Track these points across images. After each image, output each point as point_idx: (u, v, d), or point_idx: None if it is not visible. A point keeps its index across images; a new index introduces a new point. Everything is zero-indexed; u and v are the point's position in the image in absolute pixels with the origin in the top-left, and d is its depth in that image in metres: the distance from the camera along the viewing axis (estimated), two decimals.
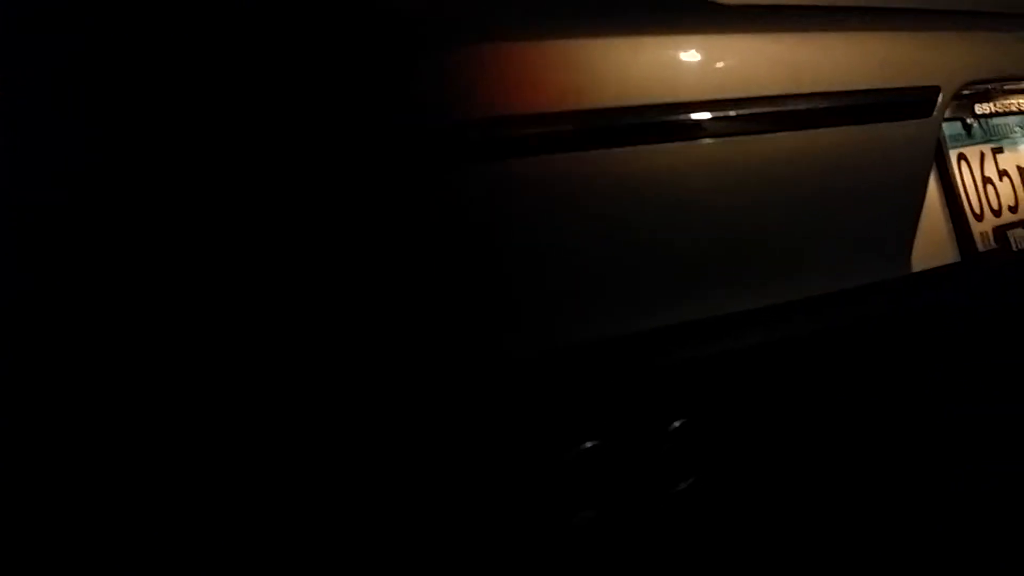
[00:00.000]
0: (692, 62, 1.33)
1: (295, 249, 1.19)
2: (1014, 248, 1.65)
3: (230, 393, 1.22)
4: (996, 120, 1.70)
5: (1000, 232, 1.64)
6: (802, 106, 1.40)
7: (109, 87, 1.29)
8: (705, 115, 1.31)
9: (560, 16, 1.26)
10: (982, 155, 1.65)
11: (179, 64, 1.24)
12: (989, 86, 1.67)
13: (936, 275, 1.55)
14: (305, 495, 1.21)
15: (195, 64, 1.24)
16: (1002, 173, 1.68)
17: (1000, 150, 1.69)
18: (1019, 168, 1.70)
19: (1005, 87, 1.71)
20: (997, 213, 1.65)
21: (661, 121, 1.29)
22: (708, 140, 1.32)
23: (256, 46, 1.22)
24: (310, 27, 1.21)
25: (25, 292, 1.36)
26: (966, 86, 1.61)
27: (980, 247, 1.60)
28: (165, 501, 1.27)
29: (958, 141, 1.63)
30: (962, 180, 1.61)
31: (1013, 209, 1.67)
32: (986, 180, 1.65)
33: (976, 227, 1.61)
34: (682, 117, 1.30)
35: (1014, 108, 1.73)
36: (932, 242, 1.56)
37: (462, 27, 1.21)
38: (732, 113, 1.34)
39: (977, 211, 1.62)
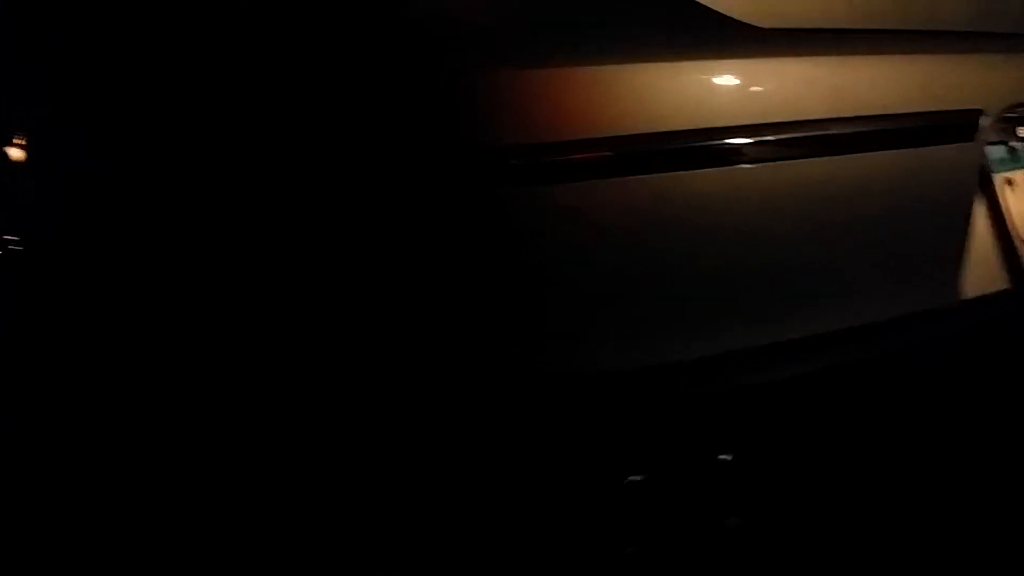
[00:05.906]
0: (730, 87, 1.30)
1: (344, 265, 1.18)
2: None
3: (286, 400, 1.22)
4: None
5: None
6: (843, 130, 1.38)
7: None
8: (745, 140, 1.29)
9: (600, 42, 1.24)
10: None
11: (250, 84, 1.25)
12: None
13: (986, 302, 1.50)
14: (355, 504, 1.20)
15: (258, 83, 1.24)
16: None
17: None
18: None
19: None
20: None
21: (702, 146, 1.26)
22: (749, 166, 1.30)
23: (302, 65, 1.23)
24: (356, 50, 1.21)
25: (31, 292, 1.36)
26: (1010, 109, 1.58)
27: None
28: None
29: (1003, 165, 1.59)
30: (1008, 205, 1.57)
31: None
32: None
33: None
34: (722, 142, 1.28)
35: None
36: (981, 268, 1.52)
37: (509, 52, 1.20)
38: (773, 138, 1.31)
39: None
